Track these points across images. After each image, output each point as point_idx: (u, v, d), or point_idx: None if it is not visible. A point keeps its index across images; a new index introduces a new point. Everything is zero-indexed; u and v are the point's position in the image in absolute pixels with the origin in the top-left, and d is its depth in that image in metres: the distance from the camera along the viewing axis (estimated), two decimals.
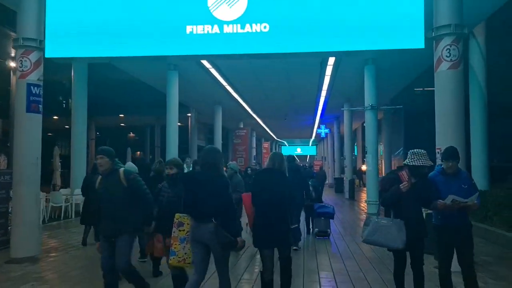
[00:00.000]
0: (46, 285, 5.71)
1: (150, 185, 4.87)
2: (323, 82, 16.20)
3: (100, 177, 4.51)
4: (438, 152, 6.20)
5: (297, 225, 6.57)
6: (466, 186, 4.38)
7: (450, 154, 4.40)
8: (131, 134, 39.73)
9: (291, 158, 8.35)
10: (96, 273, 5.24)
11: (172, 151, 13.62)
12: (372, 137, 13.74)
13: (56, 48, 7.29)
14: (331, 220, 9.37)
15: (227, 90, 18.02)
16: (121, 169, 4.45)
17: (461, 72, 6.54)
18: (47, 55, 7.35)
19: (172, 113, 14.01)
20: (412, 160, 4.35)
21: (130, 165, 6.82)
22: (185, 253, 4.12)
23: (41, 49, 7.26)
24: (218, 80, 16.08)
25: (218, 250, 3.90)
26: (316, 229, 9.21)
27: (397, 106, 15.32)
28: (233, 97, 19.42)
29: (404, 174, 4.40)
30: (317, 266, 6.72)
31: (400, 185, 4.30)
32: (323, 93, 18.21)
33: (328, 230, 9.21)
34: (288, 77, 16.05)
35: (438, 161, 6.06)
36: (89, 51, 7.27)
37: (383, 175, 20.39)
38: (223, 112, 22.71)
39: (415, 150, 4.42)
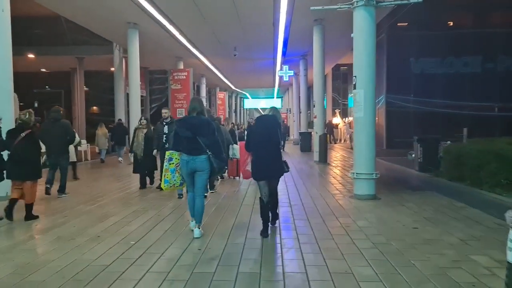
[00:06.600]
0: None
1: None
2: None
3: None
4: None
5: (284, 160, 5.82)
6: None
7: None
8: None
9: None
10: None
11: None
12: (367, 55, 7.34)
13: None
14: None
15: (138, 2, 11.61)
16: None
17: None
18: None
19: None
20: None
21: None
22: (174, 180, 5.44)
23: None
24: None
25: (206, 175, 5.21)
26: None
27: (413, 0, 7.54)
28: (151, 14, 12.96)
29: None
30: None
31: None
32: (283, 8, 12.06)
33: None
34: None
35: None
36: None
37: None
38: (150, 44, 16.26)
39: None
